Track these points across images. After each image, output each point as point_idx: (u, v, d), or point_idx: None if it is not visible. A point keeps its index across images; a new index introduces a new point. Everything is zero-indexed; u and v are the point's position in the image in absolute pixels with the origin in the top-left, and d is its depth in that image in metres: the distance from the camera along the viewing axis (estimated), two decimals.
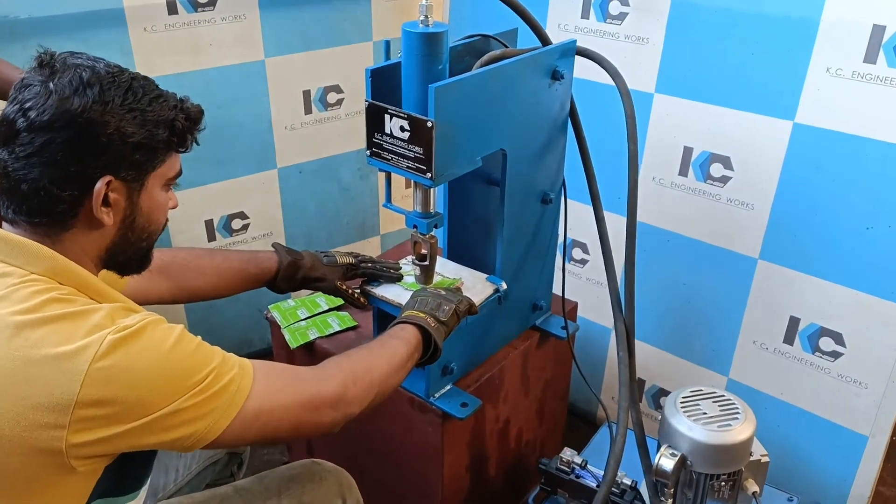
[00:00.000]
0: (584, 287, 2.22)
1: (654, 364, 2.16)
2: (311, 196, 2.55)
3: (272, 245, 1.53)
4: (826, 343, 1.83)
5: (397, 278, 1.59)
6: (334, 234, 2.65)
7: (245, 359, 1.08)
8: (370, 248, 2.78)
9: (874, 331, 1.74)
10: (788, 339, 1.89)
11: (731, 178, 1.87)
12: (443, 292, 1.42)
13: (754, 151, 1.80)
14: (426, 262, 1.53)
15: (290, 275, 1.50)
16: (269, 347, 1.89)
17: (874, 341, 1.75)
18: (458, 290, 1.51)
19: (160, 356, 0.96)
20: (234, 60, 2.22)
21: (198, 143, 1.10)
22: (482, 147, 1.42)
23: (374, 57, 2.46)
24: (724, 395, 1.50)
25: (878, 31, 1.56)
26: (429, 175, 1.33)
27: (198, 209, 2.34)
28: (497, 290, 1.59)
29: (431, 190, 1.41)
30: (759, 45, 1.73)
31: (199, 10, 2.11)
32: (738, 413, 1.46)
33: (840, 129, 1.66)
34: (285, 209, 2.51)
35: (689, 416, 1.45)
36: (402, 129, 1.33)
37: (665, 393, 2.19)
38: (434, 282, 1.56)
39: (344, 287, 1.55)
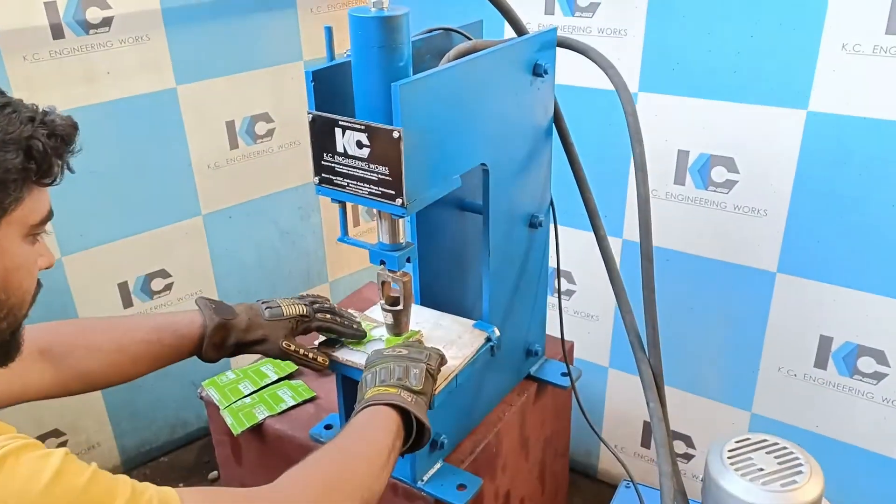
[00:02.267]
0: (572, 322, 1.98)
1: None
2: (245, 244, 2.31)
3: (196, 301, 1.18)
4: (866, 363, 1.66)
5: (361, 336, 1.27)
6: (277, 286, 2.40)
7: (167, 489, 0.76)
8: None
9: None
10: (820, 362, 1.71)
11: (736, 182, 1.70)
12: (404, 352, 1.13)
13: (762, 149, 1.64)
14: (399, 307, 1.22)
15: (219, 341, 1.14)
16: (208, 426, 1.57)
17: None
18: (419, 342, 1.23)
19: (29, 500, 0.67)
20: (140, 90, 1.97)
21: (71, 171, 0.80)
22: (461, 162, 1.17)
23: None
24: (777, 444, 1.28)
25: None
26: (399, 201, 1.05)
27: (107, 271, 2.06)
28: (489, 339, 1.31)
29: None
30: (759, 26, 1.56)
31: (91, 31, 1.85)
32: (800, 465, 1.24)
33: (862, 113, 1.51)
34: (216, 261, 2.25)
35: (742, 475, 1.21)
36: (360, 144, 1.05)
37: (678, 437, 1.97)
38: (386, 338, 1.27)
39: (293, 348, 1.20)
